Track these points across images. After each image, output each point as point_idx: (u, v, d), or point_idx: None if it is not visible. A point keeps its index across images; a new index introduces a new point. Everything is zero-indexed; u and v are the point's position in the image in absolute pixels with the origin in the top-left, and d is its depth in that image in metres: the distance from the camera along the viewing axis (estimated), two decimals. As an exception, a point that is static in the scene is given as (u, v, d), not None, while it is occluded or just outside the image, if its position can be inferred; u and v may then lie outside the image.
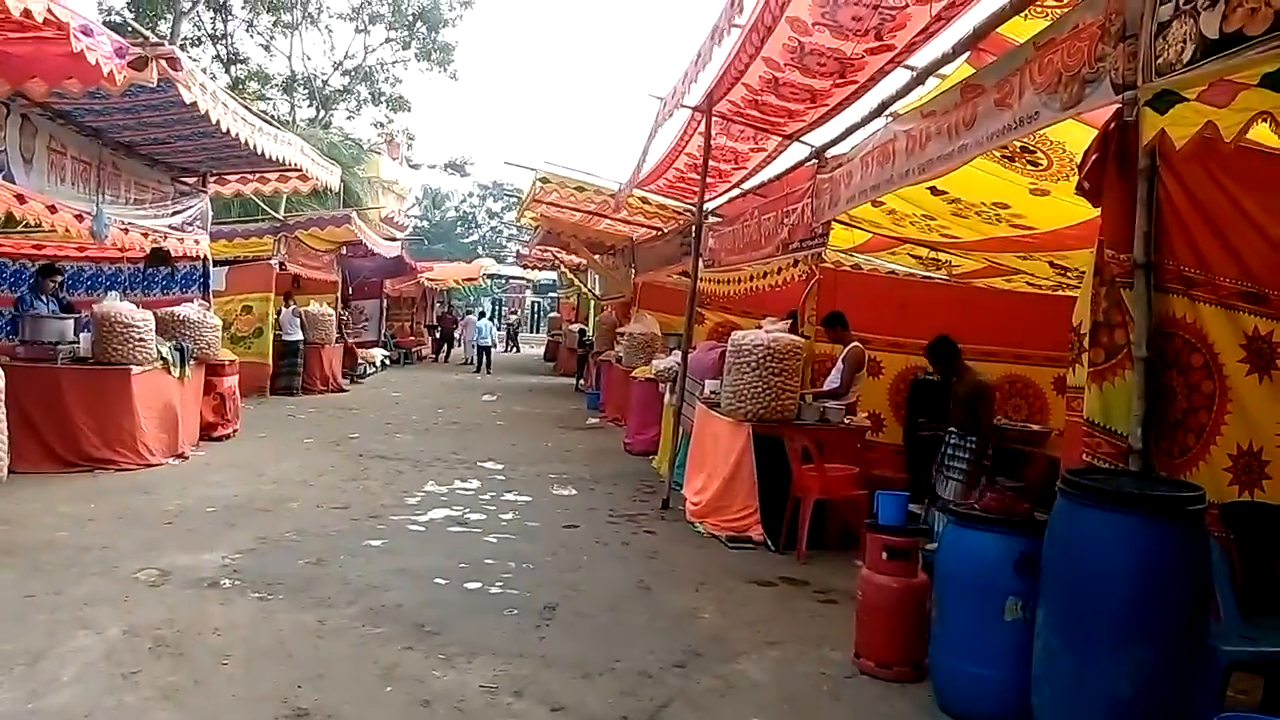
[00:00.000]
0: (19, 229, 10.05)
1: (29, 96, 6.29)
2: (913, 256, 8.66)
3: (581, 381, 18.57)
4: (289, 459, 8.74)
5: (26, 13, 4.50)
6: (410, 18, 29.51)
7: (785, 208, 7.56)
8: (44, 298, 8.46)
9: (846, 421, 6.74)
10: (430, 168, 41.78)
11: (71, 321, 8.10)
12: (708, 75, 6.15)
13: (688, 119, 7.69)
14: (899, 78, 5.60)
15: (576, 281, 23.59)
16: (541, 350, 29.89)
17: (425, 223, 49.58)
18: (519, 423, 12.92)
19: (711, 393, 7.40)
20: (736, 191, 9.50)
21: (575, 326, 23.34)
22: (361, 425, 11.59)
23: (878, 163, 5.47)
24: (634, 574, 5.46)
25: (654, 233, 13.22)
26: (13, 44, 5.48)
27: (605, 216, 13.52)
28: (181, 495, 6.88)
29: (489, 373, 22.21)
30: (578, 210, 13.47)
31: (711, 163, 7.83)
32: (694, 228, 8.75)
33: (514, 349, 31.71)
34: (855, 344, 7.17)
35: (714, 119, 7.22)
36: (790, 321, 7.16)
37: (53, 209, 7.06)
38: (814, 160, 7.07)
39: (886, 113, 5.71)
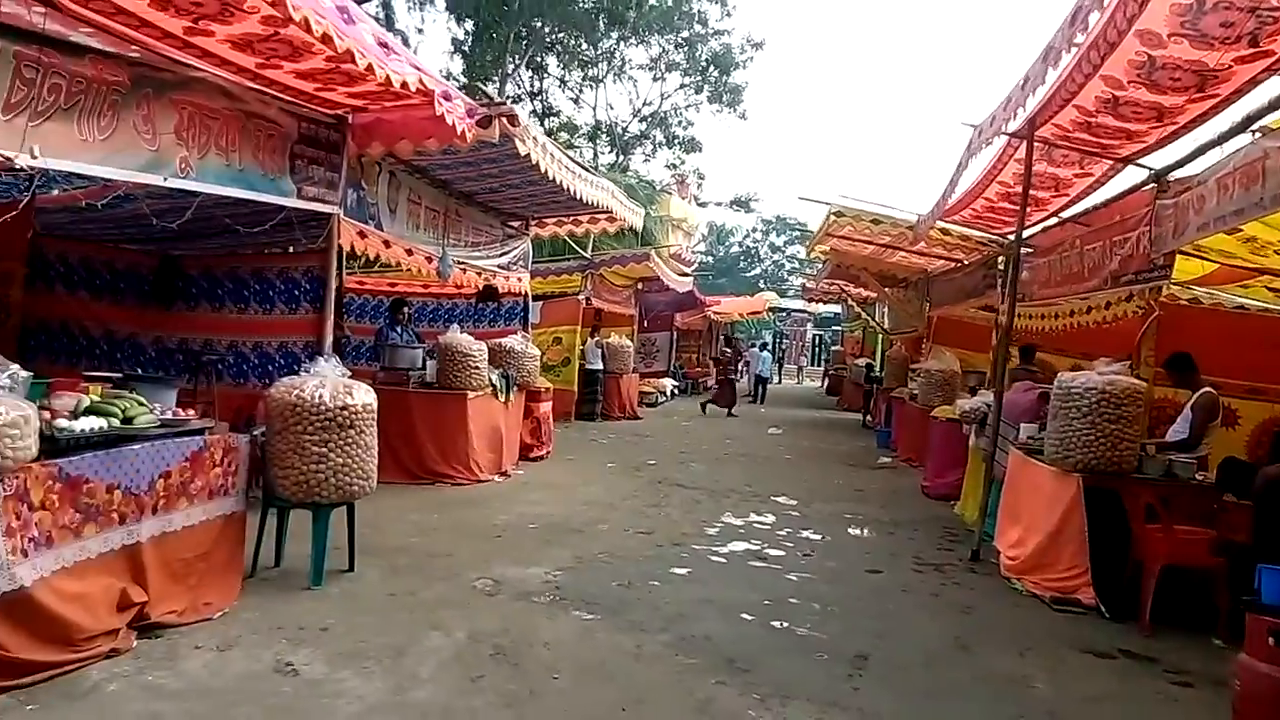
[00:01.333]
0: (377, 268, 11.62)
1: (397, 155, 7.24)
2: (1271, 290, 7.50)
3: (869, 417, 18.05)
4: (595, 482, 9.28)
5: (404, 85, 5.20)
6: (704, 63, 30.67)
7: (1115, 237, 6.87)
8: (398, 329, 9.69)
9: (1199, 478, 5.92)
10: (716, 205, 43.00)
11: (421, 350, 9.19)
12: (1035, 99, 5.75)
13: (1003, 146, 7.24)
14: (1269, 89, 4.90)
15: (864, 315, 23.05)
16: (821, 383, 29.42)
17: (710, 258, 51.01)
18: (807, 458, 12.78)
19: (1029, 438, 6.84)
20: (1053, 220, 8.78)
21: (862, 361, 22.76)
22: (657, 452, 12.04)
23: (1240, 185, 4.80)
24: (947, 629, 5.14)
25: (952, 264, 12.59)
26: (388, 112, 6.37)
27: (900, 249, 13.10)
28: (507, 511, 7.53)
29: (763, 404, 22.44)
30: (871, 243, 13.17)
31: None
32: (1006, 260, 8.20)
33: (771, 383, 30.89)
34: (1208, 389, 6.31)
35: (1035, 144, 6.73)
36: (1126, 363, 6.45)
37: (410, 252, 8.08)
38: (1152, 184, 6.37)
39: (1253, 128, 5.01)
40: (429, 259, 8.52)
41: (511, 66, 25.54)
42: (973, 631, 5.12)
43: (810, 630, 4.95)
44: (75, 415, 3.98)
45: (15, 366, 3.64)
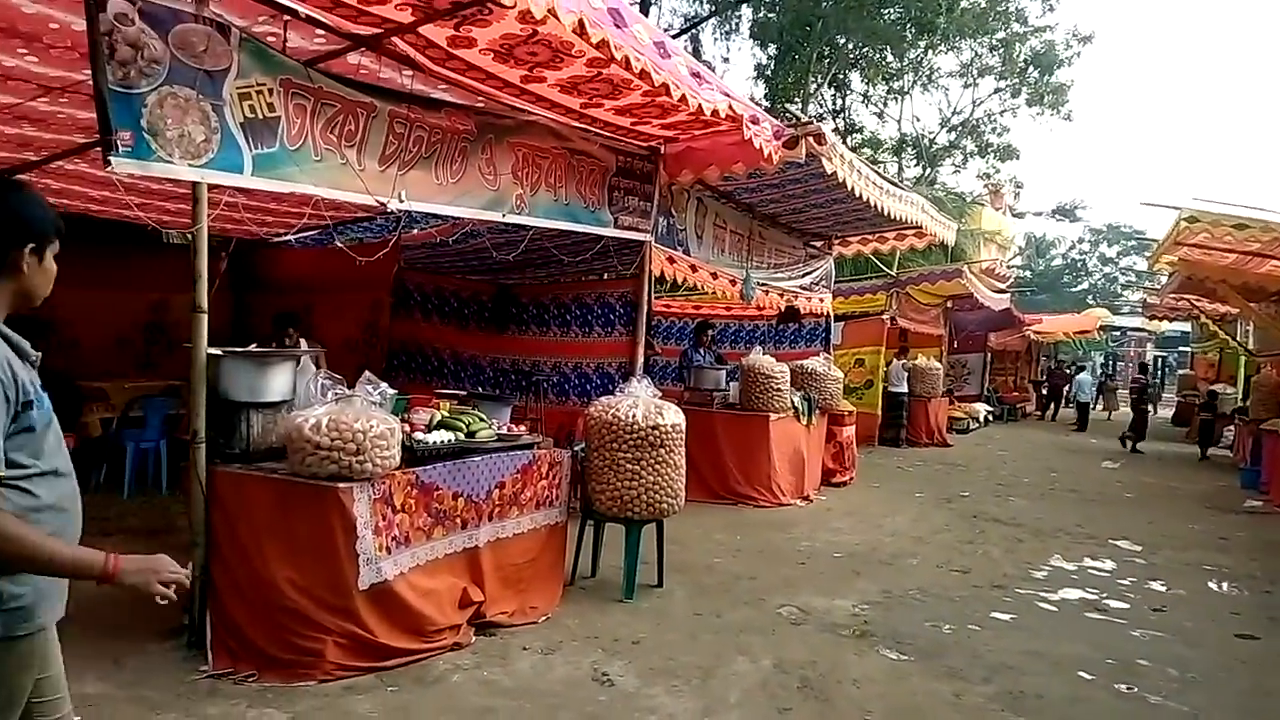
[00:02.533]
0: (681, 291, 12.01)
1: (704, 182, 7.43)
2: None
3: (1208, 450, 15.76)
4: (902, 512, 8.83)
5: (715, 112, 5.30)
6: (1022, 64, 28.49)
7: None
8: (702, 351, 9.92)
9: None
10: (1035, 215, 39.67)
11: (724, 371, 9.33)
12: None
13: None
14: None
15: (1221, 334, 20.02)
16: (1170, 413, 25.86)
17: (1028, 272, 47.09)
18: (1151, 497, 11.24)
19: None
20: None
21: (1219, 386, 19.75)
22: (970, 483, 11.24)
23: None
24: (1354, 718, 4.22)
25: (1350, 274, 10.51)
26: (698, 140, 6.54)
27: (1274, 257, 11.17)
28: (810, 537, 7.38)
29: (1083, 431, 20.26)
30: (1233, 251, 11.37)
31: None
32: None
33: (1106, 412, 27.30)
34: None
35: None
36: None
37: (715, 275, 8.24)
38: None
39: None
40: (732, 281, 8.64)
41: (814, 86, 25.39)
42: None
43: (1165, 699, 4.29)
44: (429, 428, 4.47)
45: (384, 385, 4.16)
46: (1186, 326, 26.97)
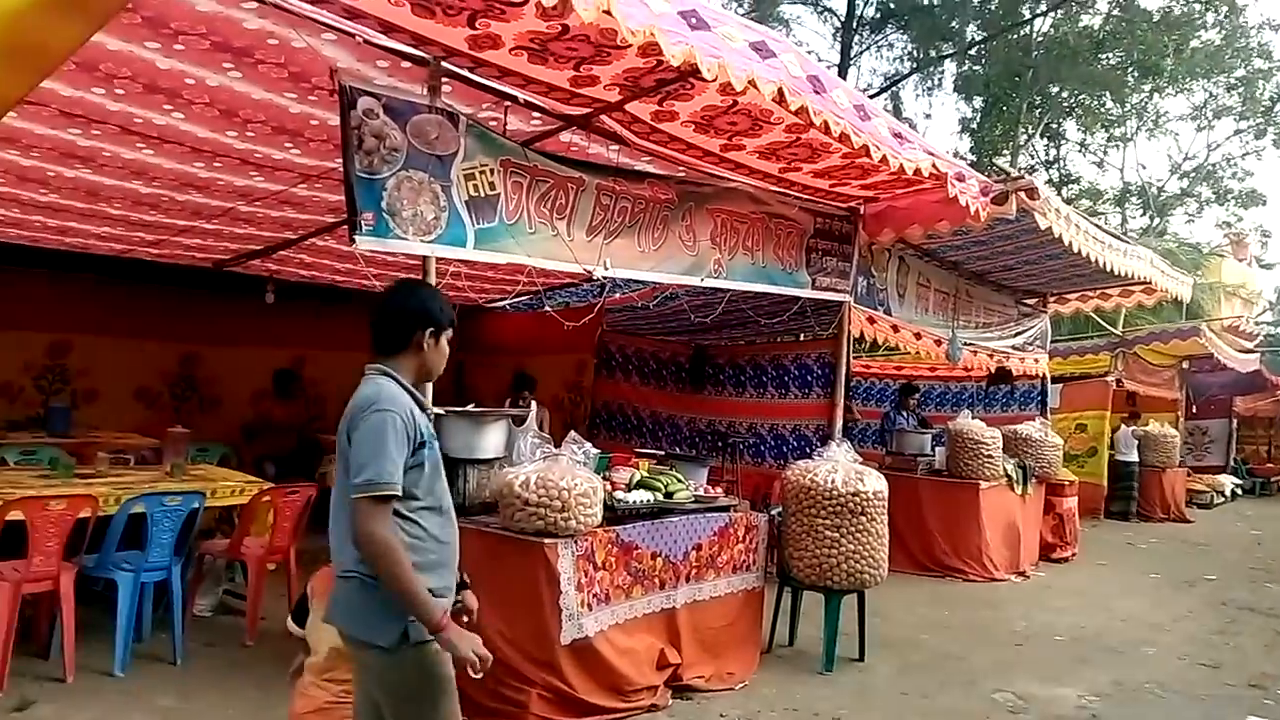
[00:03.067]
0: (882, 352, 11.67)
1: (906, 241, 7.25)
2: None
3: None
4: (1135, 594, 8.00)
5: (917, 170, 5.18)
6: (1267, 103, 25.92)
7: None
8: (905, 413, 9.56)
9: None
10: (1288, 264, 35.44)
11: (929, 436, 8.93)
12: None
13: None
14: None
15: None
16: None
17: (1280, 329, 42.02)
18: None
19: None
20: None
21: None
22: (1217, 565, 10.02)
23: None
24: None
25: None
26: (899, 199, 6.41)
27: None
28: (1027, 617, 6.84)
29: None
30: None
31: None
32: None
33: None
34: None
35: None
36: None
37: (918, 335, 7.97)
38: None
39: None
40: (938, 342, 8.31)
41: (1024, 138, 24.24)
42: None
43: None
44: (629, 488, 4.58)
45: (588, 444, 4.32)
46: None
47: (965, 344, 8.76)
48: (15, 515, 4.09)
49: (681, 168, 5.44)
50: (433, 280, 4.38)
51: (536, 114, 4.73)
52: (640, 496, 4.52)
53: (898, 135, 5.10)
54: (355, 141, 3.80)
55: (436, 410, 4.33)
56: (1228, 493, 17.19)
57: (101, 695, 4.14)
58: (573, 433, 4.35)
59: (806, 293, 6.41)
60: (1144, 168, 38.16)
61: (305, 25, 3.69)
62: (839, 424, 6.92)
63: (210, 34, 3.67)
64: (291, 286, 8.82)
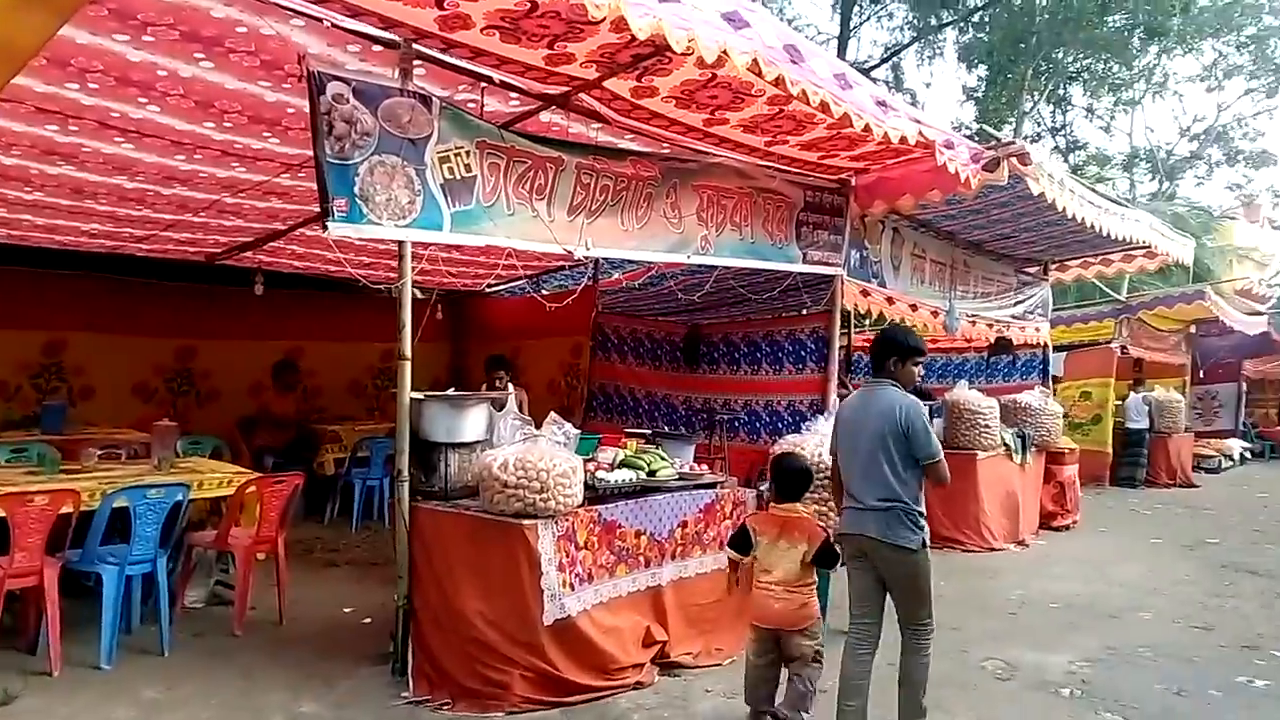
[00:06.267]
0: (879, 326, 11.61)
1: (899, 212, 7.19)
2: None
3: None
4: (1134, 560, 7.99)
5: (903, 139, 5.13)
6: (1279, 61, 25.48)
7: None
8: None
9: None
10: (1302, 226, 35.03)
11: (926, 408, 8.89)
12: None
13: None
14: None
15: None
16: None
17: (1294, 291, 41.59)
18: None
19: None
20: None
21: None
22: (1220, 529, 9.98)
23: None
24: None
25: None
26: (890, 169, 6.35)
27: None
28: (1023, 585, 6.84)
29: None
30: None
31: None
32: None
33: None
34: None
35: None
36: None
37: (914, 307, 7.94)
38: None
39: None
40: (934, 313, 8.28)
41: (1029, 104, 23.92)
42: None
43: None
44: (613, 467, 4.59)
45: (568, 425, 4.33)
46: None
47: (964, 314, 8.72)
48: (-3, 512, 4.12)
49: (665, 144, 5.41)
50: (409, 268, 4.40)
51: (514, 94, 4.70)
52: (622, 476, 4.53)
53: (881, 103, 5.05)
54: (325, 127, 3.79)
55: (416, 395, 4.36)
56: (1236, 457, 17.09)
57: (87, 688, 4.18)
58: (553, 413, 4.36)
59: (797, 267, 6.37)
60: (1152, 131, 37.59)
61: (272, 12, 3.67)
62: (833, 398, 6.91)
63: (178, 24, 3.66)
64: (285, 278, 8.85)
